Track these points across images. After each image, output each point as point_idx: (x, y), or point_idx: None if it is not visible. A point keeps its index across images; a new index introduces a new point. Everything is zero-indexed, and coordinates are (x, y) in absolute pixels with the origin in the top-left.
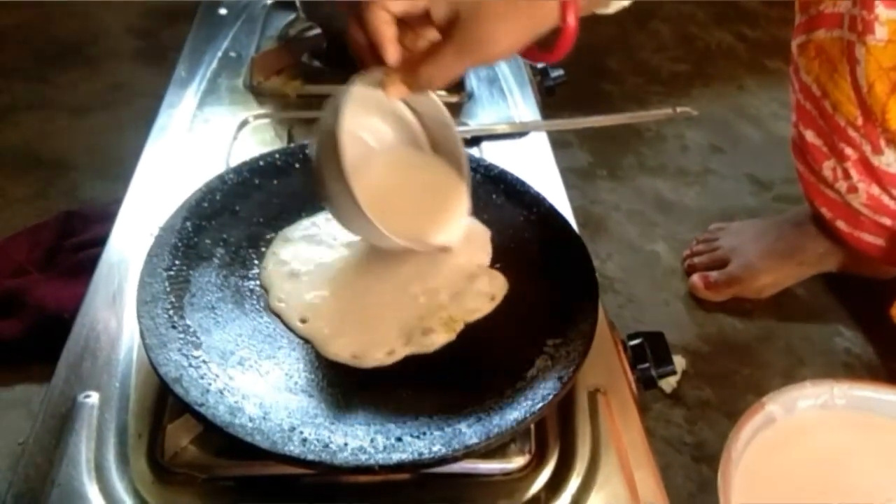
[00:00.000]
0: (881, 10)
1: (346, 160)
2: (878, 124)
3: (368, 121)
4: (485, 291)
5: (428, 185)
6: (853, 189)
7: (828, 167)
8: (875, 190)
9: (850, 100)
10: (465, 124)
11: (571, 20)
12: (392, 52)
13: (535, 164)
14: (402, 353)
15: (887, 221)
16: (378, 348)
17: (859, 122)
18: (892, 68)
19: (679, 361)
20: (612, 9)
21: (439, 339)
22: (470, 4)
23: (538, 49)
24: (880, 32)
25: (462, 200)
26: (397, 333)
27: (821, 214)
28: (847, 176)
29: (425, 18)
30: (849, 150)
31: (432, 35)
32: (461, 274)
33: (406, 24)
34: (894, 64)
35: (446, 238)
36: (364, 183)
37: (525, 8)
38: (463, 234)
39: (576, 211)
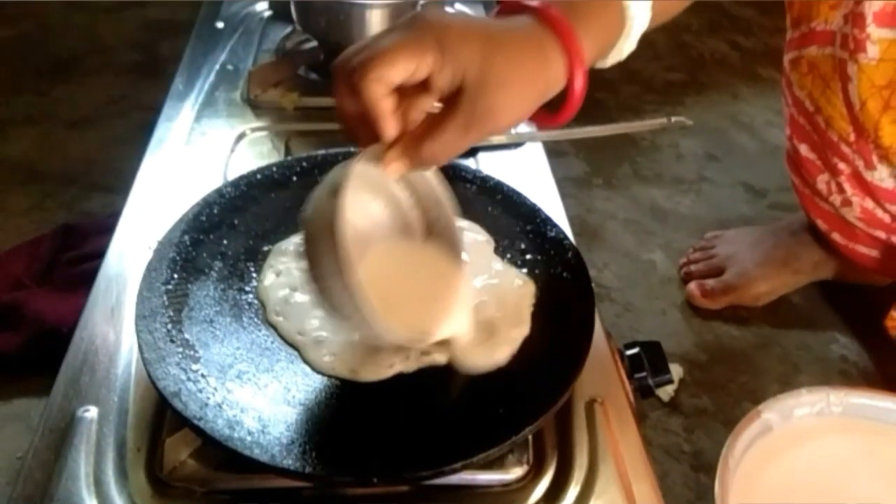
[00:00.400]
0: (873, 29)
1: (350, 254)
2: (871, 141)
3: (362, 202)
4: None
5: (424, 276)
6: (847, 203)
7: (822, 181)
8: (869, 204)
9: (842, 116)
10: None
11: (579, 84)
12: (391, 128)
13: (531, 174)
14: (400, 368)
15: (881, 234)
16: (377, 364)
17: (852, 138)
18: (885, 86)
19: (676, 370)
20: (609, 63)
21: (439, 357)
22: (476, 72)
23: (546, 113)
24: (872, 51)
25: (460, 285)
26: (396, 349)
27: (817, 226)
28: (841, 190)
29: (422, 86)
30: (842, 165)
31: (427, 104)
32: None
33: (400, 90)
34: (887, 82)
35: (451, 329)
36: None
37: (532, 73)
38: (470, 321)
39: (572, 220)
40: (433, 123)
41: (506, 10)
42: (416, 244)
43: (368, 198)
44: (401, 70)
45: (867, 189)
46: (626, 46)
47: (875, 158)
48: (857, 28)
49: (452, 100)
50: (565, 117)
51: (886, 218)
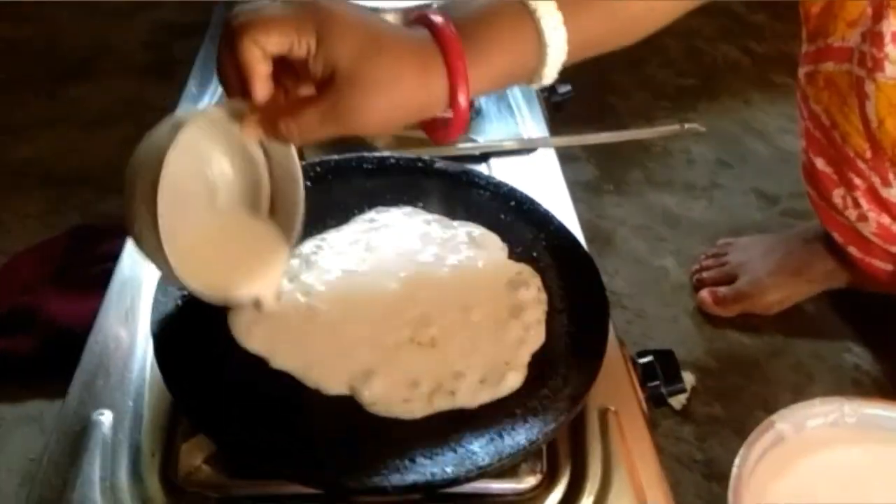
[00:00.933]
0: (891, 49)
1: (164, 189)
2: (888, 158)
3: (211, 150)
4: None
5: (244, 243)
6: (863, 218)
7: (838, 195)
8: (885, 220)
9: (859, 133)
10: (473, 140)
11: (463, 102)
12: (260, 91)
13: (543, 180)
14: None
15: None
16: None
17: (868, 154)
18: None
19: (688, 378)
20: (534, 86)
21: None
22: (349, 69)
23: (438, 127)
24: (890, 70)
25: (276, 263)
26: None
27: (833, 238)
28: (857, 205)
29: (301, 66)
30: (858, 181)
31: (306, 86)
32: None
33: (289, 64)
34: None
35: (252, 294)
36: (179, 221)
37: (409, 85)
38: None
39: (583, 226)
40: (299, 103)
41: (414, 21)
42: (246, 212)
43: (220, 144)
44: (274, 42)
45: (883, 205)
46: (546, 72)
47: (892, 176)
48: (875, 47)
49: (323, 87)
50: (451, 136)
51: None
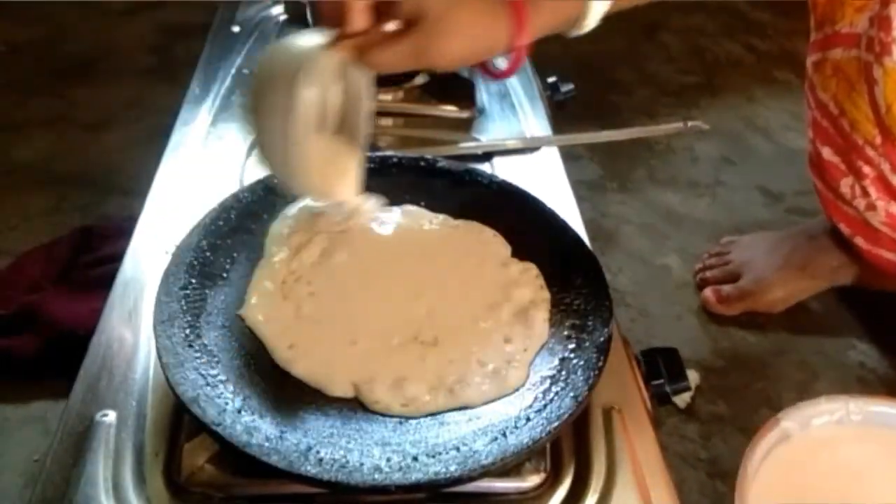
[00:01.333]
0: None
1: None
2: None
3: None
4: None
5: (329, 158)
6: (872, 207)
7: (846, 184)
8: (894, 208)
9: (868, 119)
10: (476, 140)
11: (521, 50)
12: (357, 21)
13: (546, 179)
14: None
15: None
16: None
17: (878, 141)
18: None
19: (692, 376)
20: (585, 29)
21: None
22: (437, 11)
23: (492, 68)
24: None
25: (354, 169)
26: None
27: (839, 230)
28: (865, 194)
29: (392, 6)
30: (867, 169)
31: (392, 22)
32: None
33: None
34: None
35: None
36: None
37: (483, 32)
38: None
39: (586, 224)
40: (389, 37)
41: None
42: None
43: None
44: None
45: (893, 193)
46: (587, 23)
47: None
48: (882, 31)
49: (410, 25)
50: (509, 74)
51: None
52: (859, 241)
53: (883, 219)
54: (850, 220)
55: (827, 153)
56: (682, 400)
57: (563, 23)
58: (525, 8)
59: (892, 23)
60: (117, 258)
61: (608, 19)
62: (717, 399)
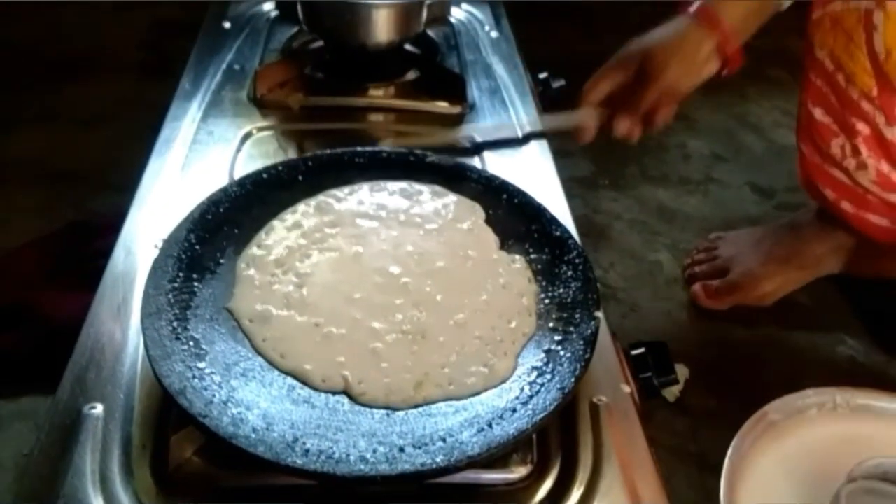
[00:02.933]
0: None
1: None
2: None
3: None
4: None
5: None
6: (862, 165)
7: (836, 144)
8: (885, 167)
9: (865, 70)
10: (466, 134)
11: (733, 57)
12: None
13: (536, 174)
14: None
15: (895, 199)
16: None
17: (874, 92)
18: None
19: (682, 370)
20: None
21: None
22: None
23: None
24: None
25: None
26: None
27: (824, 197)
28: (856, 152)
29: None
30: (860, 125)
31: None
32: None
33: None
34: None
35: None
36: None
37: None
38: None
39: (578, 220)
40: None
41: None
42: None
43: None
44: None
45: (885, 149)
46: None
47: None
48: None
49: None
50: (732, 72)
51: None
52: (846, 206)
53: (873, 177)
54: (837, 184)
55: (818, 114)
56: (671, 394)
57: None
58: (719, 25)
59: None
60: (108, 253)
61: (601, 17)
62: (706, 393)
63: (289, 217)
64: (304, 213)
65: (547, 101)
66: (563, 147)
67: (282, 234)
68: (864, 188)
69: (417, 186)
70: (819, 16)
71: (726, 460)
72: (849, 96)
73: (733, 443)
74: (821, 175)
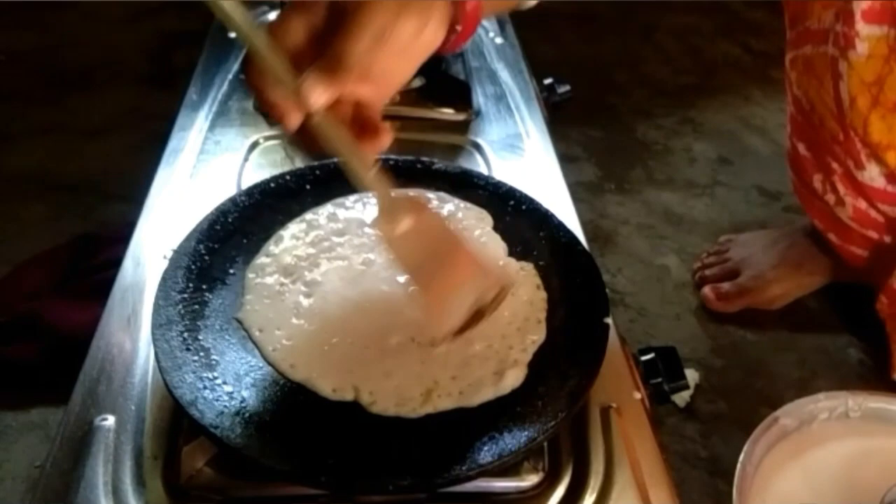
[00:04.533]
0: (861, 26)
1: None
2: (860, 139)
3: None
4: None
5: None
6: (840, 203)
7: (817, 180)
8: (862, 204)
9: (832, 115)
10: (473, 141)
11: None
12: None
13: (542, 179)
14: None
15: (874, 234)
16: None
17: (840, 137)
18: (873, 83)
19: (692, 375)
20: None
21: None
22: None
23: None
24: (861, 48)
25: None
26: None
27: (815, 225)
28: (834, 189)
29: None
30: (835, 165)
31: None
32: None
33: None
34: (875, 78)
35: None
36: None
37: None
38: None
39: (584, 225)
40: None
41: None
42: None
43: None
44: None
45: (859, 189)
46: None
47: (864, 157)
48: (846, 25)
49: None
50: (459, 44)
51: (879, 218)
52: (832, 237)
53: (850, 214)
54: (823, 216)
55: (802, 148)
56: (681, 399)
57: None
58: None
59: (854, 16)
60: (116, 264)
61: (605, 22)
62: (716, 398)
63: (297, 226)
64: (311, 222)
65: (552, 106)
66: (569, 152)
67: (290, 243)
68: (845, 223)
69: (426, 194)
70: (793, 56)
71: (738, 466)
72: (823, 136)
73: (745, 448)
74: (809, 206)
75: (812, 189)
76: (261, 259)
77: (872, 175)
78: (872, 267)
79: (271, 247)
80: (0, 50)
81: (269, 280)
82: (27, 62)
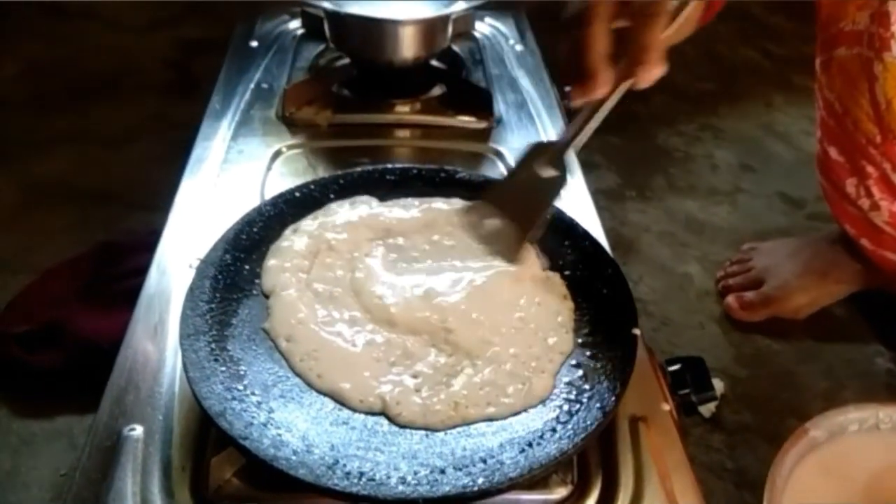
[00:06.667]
0: None
1: None
2: None
3: None
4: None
5: None
6: (875, 207)
7: (850, 184)
8: None
9: (869, 117)
10: (494, 149)
11: None
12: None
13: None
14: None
15: None
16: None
17: (878, 139)
18: None
19: (718, 385)
20: None
21: None
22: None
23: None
24: None
25: None
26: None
27: (846, 231)
28: (869, 194)
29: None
30: (870, 168)
31: None
32: None
33: None
34: None
35: None
36: None
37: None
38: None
39: (606, 233)
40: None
41: None
42: None
43: None
44: None
45: (895, 193)
46: None
47: None
48: (882, 27)
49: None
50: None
51: None
52: (865, 243)
53: (886, 218)
54: (856, 221)
55: (833, 153)
56: (707, 409)
57: None
58: None
59: (890, 18)
60: (140, 272)
61: None
62: (742, 408)
63: (321, 234)
64: (335, 230)
65: (573, 113)
66: (589, 160)
67: (315, 252)
68: (879, 228)
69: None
70: (825, 59)
71: (768, 479)
72: (857, 140)
73: (774, 461)
74: (841, 211)
75: (844, 194)
76: (288, 270)
77: None
78: None
79: (299, 258)
80: (23, 60)
81: (296, 290)
82: (50, 72)
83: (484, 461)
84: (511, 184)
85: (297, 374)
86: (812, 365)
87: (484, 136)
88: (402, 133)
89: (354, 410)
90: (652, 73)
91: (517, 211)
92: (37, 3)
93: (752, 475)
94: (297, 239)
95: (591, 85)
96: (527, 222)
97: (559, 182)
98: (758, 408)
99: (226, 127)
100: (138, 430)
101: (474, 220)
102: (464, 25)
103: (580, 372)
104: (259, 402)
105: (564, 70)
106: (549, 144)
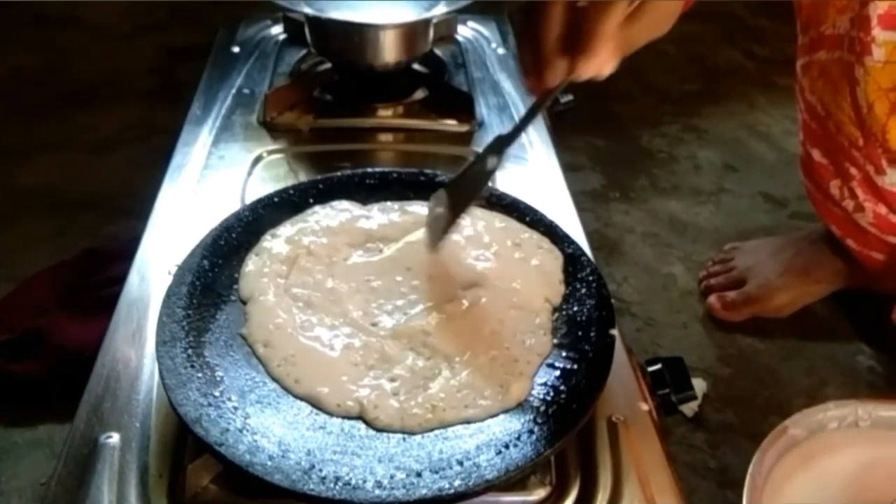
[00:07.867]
0: (878, 32)
1: None
2: (879, 144)
3: None
4: None
5: None
6: (860, 208)
7: (834, 186)
8: (882, 209)
9: (851, 120)
10: (476, 153)
11: None
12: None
13: (546, 190)
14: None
15: (894, 240)
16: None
17: (860, 142)
18: (891, 89)
19: (699, 384)
20: None
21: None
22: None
23: None
24: (877, 54)
25: None
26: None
27: (831, 232)
28: (853, 195)
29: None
30: (853, 170)
31: None
32: None
33: None
34: (893, 84)
35: None
36: None
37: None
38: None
39: (589, 234)
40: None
41: None
42: None
43: None
44: None
45: (879, 194)
46: None
47: (885, 163)
48: (862, 31)
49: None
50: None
51: None
52: (850, 243)
53: (870, 219)
54: (841, 222)
55: (817, 155)
56: (689, 409)
57: None
58: None
59: (871, 21)
60: (123, 280)
61: None
62: (725, 407)
63: (300, 239)
64: (315, 235)
65: (556, 115)
66: (573, 161)
67: (294, 257)
68: (864, 228)
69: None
70: (806, 62)
71: (748, 476)
72: (840, 142)
73: (754, 458)
74: (826, 212)
75: (829, 195)
76: (265, 275)
77: (893, 180)
78: (894, 272)
79: (277, 263)
80: (7, 66)
81: (273, 295)
82: (33, 79)
83: (461, 464)
84: (464, 174)
85: (275, 380)
86: (794, 363)
87: (466, 139)
88: (384, 137)
89: (331, 415)
90: (593, 63)
91: (457, 200)
92: (21, 11)
93: (734, 474)
94: (275, 244)
95: (543, 74)
96: (459, 211)
97: (490, 173)
98: (741, 406)
99: (206, 132)
100: (115, 438)
101: (432, 208)
102: (445, 29)
103: (557, 373)
104: (235, 408)
105: (520, 58)
106: (502, 136)
